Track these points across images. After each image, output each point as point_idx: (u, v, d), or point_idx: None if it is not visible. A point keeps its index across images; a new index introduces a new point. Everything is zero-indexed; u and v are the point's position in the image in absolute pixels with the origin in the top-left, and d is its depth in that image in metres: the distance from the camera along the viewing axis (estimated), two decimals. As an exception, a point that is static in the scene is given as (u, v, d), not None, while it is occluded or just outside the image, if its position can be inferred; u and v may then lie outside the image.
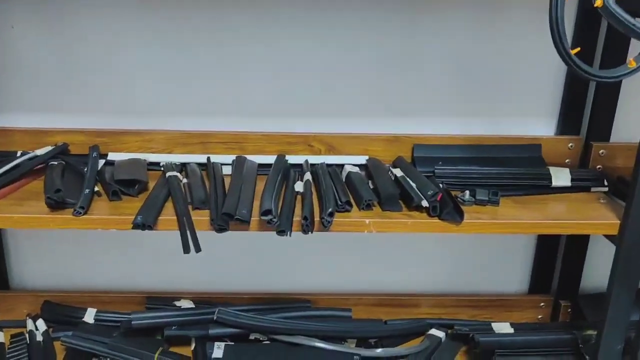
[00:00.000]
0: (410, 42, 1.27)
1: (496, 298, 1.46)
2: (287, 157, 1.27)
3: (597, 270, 1.44)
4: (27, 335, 1.32)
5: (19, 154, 1.23)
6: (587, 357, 1.23)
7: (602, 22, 1.20)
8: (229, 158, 1.27)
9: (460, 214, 1.06)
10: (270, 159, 1.25)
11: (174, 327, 1.28)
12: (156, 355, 1.23)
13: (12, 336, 1.32)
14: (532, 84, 1.31)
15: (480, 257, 1.47)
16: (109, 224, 1.05)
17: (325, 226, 1.02)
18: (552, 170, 1.22)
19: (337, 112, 1.31)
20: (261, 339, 1.29)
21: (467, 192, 1.15)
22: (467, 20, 1.26)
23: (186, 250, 1.01)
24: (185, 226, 1.03)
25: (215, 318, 1.26)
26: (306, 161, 1.26)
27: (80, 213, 1.03)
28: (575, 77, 1.25)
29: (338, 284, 1.47)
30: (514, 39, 1.27)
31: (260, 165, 1.25)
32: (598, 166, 1.29)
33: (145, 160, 1.25)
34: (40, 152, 1.22)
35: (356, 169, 1.24)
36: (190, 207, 1.08)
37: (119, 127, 1.28)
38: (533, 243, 1.46)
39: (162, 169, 1.23)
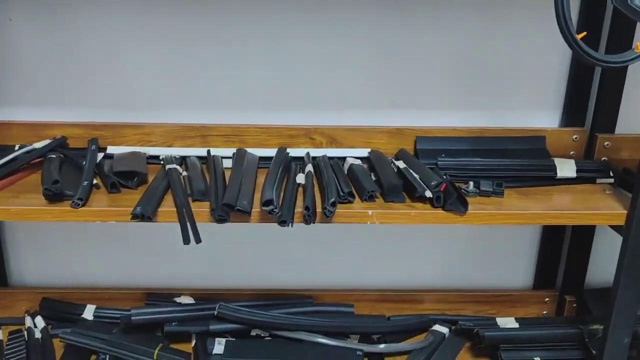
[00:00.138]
0: (412, 34, 1.25)
1: (500, 293, 1.44)
2: (289, 150, 1.26)
3: (603, 265, 1.42)
4: (25, 333, 1.30)
5: (17, 147, 1.21)
6: (593, 351, 1.21)
7: (607, 7, 1.19)
8: (230, 151, 1.25)
9: (465, 204, 1.04)
10: (271, 152, 1.24)
11: (174, 323, 1.27)
12: (156, 351, 1.21)
13: (10, 333, 1.31)
14: (535, 75, 1.29)
15: (484, 252, 1.45)
16: (108, 216, 1.03)
17: (327, 216, 1.01)
18: (557, 161, 1.21)
19: (338, 105, 1.29)
20: (262, 335, 1.27)
21: (471, 183, 1.13)
22: (470, 11, 1.24)
23: (186, 241, 0.99)
24: (185, 217, 1.01)
25: (216, 313, 1.24)
26: (307, 154, 1.25)
27: (79, 205, 1.01)
28: (580, 66, 1.26)
29: (340, 279, 1.45)
30: (517, 31, 1.26)
31: (261, 159, 1.24)
32: (603, 158, 1.28)
33: (144, 153, 1.23)
34: (38, 145, 1.21)
35: (358, 162, 1.23)
36: (190, 198, 1.06)
37: (118, 121, 1.27)
38: (537, 238, 1.44)
39: (161, 162, 1.22)
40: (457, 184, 1.11)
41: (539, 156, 1.26)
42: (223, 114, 1.28)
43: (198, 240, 1.00)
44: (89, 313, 1.34)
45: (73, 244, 1.41)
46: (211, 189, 1.08)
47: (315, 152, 1.26)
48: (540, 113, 1.32)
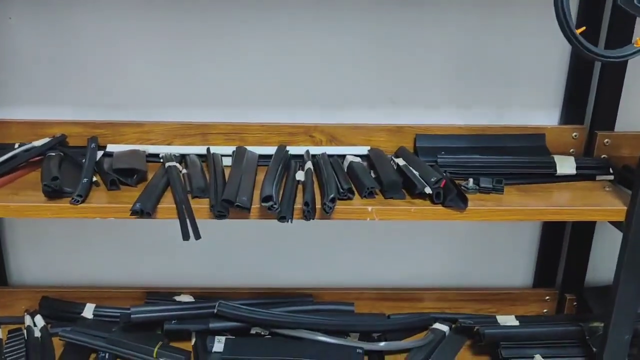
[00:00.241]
0: (412, 32, 1.26)
1: (500, 292, 1.44)
2: (288, 148, 1.26)
3: (603, 263, 1.42)
4: (24, 331, 1.30)
5: (16, 145, 1.21)
6: (594, 349, 1.20)
7: (606, 2, 1.19)
8: (229, 149, 1.25)
9: (464, 200, 1.04)
10: (271, 150, 1.24)
11: (173, 321, 1.26)
12: (156, 350, 1.21)
13: (10, 332, 1.30)
14: (535, 73, 1.29)
15: (484, 250, 1.45)
16: (107, 213, 1.03)
17: (327, 212, 1.01)
18: (557, 158, 1.21)
19: (338, 103, 1.29)
20: (262, 333, 1.27)
21: (471, 180, 1.13)
22: (470, 10, 1.24)
23: (185, 237, 0.99)
24: (185, 213, 1.01)
25: (215, 311, 1.24)
26: (307, 152, 1.25)
27: (78, 201, 1.01)
28: (580, 64, 1.26)
29: (340, 278, 1.45)
30: (517, 29, 1.26)
31: (261, 157, 1.24)
32: (603, 155, 1.28)
33: (144, 151, 1.23)
34: (37, 143, 1.21)
35: (358, 159, 1.23)
36: (189, 195, 1.06)
37: (117, 119, 1.27)
38: (537, 236, 1.44)
39: (161, 160, 1.22)
40: (457, 181, 1.11)
41: (538, 154, 1.26)
42: (223, 112, 1.28)
43: (197, 236, 0.99)
44: (88, 312, 1.34)
45: (73, 243, 1.41)
46: (211, 186, 1.08)
47: (315, 150, 1.26)
48: (539, 111, 1.32)
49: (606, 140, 1.28)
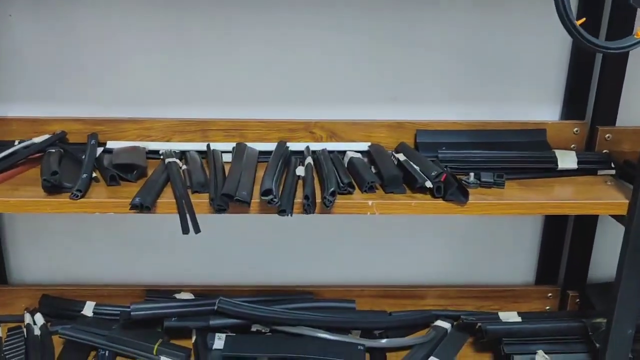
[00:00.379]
0: (413, 27, 1.26)
1: (502, 289, 1.43)
2: (288, 144, 1.25)
3: (605, 260, 1.41)
4: (24, 329, 1.29)
5: (16, 142, 1.21)
6: (597, 345, 1.19)
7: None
8: (229, 146, 1.25)
9: (465, 194, 1.04)
10: (271, 146, 1.23)
11: (173, 319, 1.26)
12: (156, 347, 1.20)
13: (9, 330, 1.30)
14: (536, 68, 1.29)
15: (486, 247, 1.44)
16: (107, 207, 1.02)
17: (327, 206, 1.00)
18: (558, 153, 1.20)
19: (338, 99, 1.29)
20: (263, 330, 1.26)
21: (472, 174, 1.13)
22: (470, 4, 1.24)
23: (185, 231, 0.99)
24: (184, 208, 1.00)
25: (216, 308, 1.23)
26: (307, 147, 1.24)
27: (78, 196, 1.01)
28: (580, 59, 1.26)
29: (341, 275, 1.45)
30: (517, 23, 1.26)
31: (261, 153, 1.24)
32: (604, 150, 1.27)
33: (144, 148, 1.23)
34: (37, 140, 1.21)
35: (358, 155, 1.22)
36: (189, 190, 1.06)
37: (117, 116, 1.27)
38: (539, 232, 1.43)
39: (161, 157, 1.22)
40: (458, 176, 1.10)
41: (539, 149, 1.25)
42: (223, 109, 1.28)
43: (197, 230, 0.99)
44: (88, 310, 1.33)
45: (73, 242, 1.40)
46: (211, 181, 1.08)
47: (315, 146, 1.25)
48: (540, 106, 1.32)
49: (607, 135, 1.27)
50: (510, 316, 1.33)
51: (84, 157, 1.15)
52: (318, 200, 1.03)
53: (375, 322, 1.32)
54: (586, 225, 1.37)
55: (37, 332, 1.28)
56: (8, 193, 1.04)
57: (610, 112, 1.28)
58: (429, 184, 1.05)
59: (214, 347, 1.21)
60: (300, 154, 1.24)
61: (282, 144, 1.24)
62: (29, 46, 1.24)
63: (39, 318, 1.32)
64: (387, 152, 1.22)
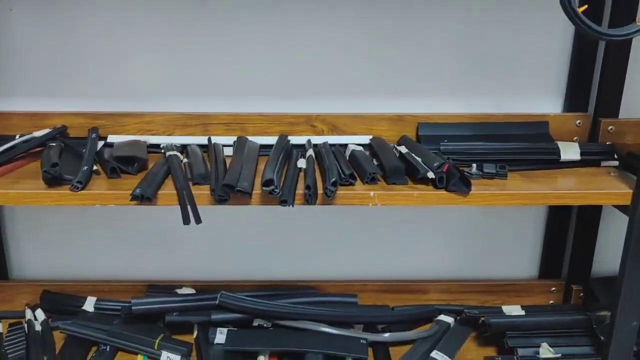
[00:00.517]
0: (414, 20, 1.25)
1: (506, 283, 1.42)
2: (290, 137, 1.25)
3: (609, 254, 1.40)
4: (25, 325, 1.29)
5: (17, 137, 1.21)
6: (602, 337, 1.18)
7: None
8: (230, 139, 1.24)
9: (467, 184, 1.03)
10: (272, 140, 1.23)
11: (175, 313, 1.25)
12: (157, 341, 1.20)
13: (10, 325, 1.29)
14: (537, 60, 1.29)
15: (489, 241, 1.43)
16: (108, 200, 1.02)
17: (328, 196, 0.99)
18: (561, 144, 1.20)
19: (340, 92, 1.29)
20: (265, 325, 1.25)
21: (474, 165, 1.12)
22: (471, -3, 1.24)
23: (186, 221, 0.98)
24: (185, 198, 1.00)
25: (218, 302, 1.22)
26: (309, 141, 1.24)
27: (78, 188, 1.00)
28: (582, 50, 1.25)
29: (343, 270, 1.44)
30: (519, 16, 1.25)
31: (262, 147, 1.23)
32: (607, 142, 1.26)
33: (145, 141, 1.23)
34: (37, 134, 1.21)
35: (360, 148, 1.22)
36: (190, 182, 1.05)
37: (118, 110, 1.26)
38: (542, 226, 1.43)
39: (162, 151, 1.21)
40: (460, 168, 1.10)
41: (542, 141, 1.25)
42: (224, 102, 1.28)
43: (198, 220, 0.98)
44: (89, 305, 1.33)
45: (73, 237, 1.40)
46: (211, 173, 1.07)
47: (317, 140, 1.25)
48: (542, 98, 1.31)
49: (610, 127, 1.27)
50: (513, 310, 1.32)
51: (84, 150, 1.14)
52: (320, 191, 1.02)
53: (378, 317, 1.31)
54: (590, 218, 1.37)
55: (38, 327, 1.28)
56: (8, 186, 1.03)
57: (613, 104, 1.27)
58: (431, 175, 1.05)
59: (216, 341, 1.20)
60: (301, 147, 1.23)
61: (283, 138, 1.23)
62: (29, 40, 1.24)
63: (40, 314, 1.31)
64: (388, 145, 1.22)
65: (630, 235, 1.05)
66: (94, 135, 1.20)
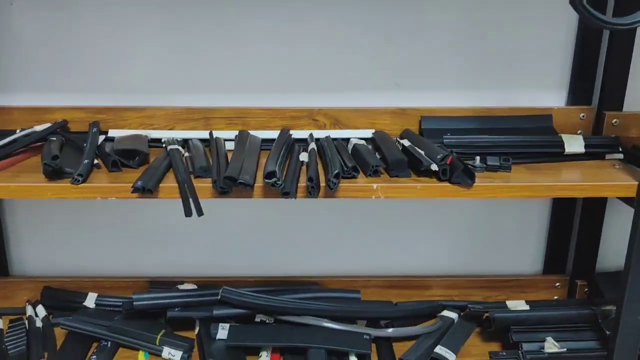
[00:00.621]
0: (416, 13, 1.24)
1: (510, 279, 1.41)
2: (291, 132, 1.24)
3: (614, 249, 1.39)
4: (26, 321, 1.28)
5: (18, 131, 1.20)
6: (607, 332, 1.17)
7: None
8: (232, 134, 1.24)
9: (471, 176, 1.02)
10: (274, 134, 1.22)
11: (176, 309, 1.24)
12: (159, 337, 1.19)
13: (11, 321, 1.28)
14: (541, 53, 1.28)
15: (493, 236, 1.42)
16: (109, 192, 1.01)
17: (331, 188, 0.99)
18: (565, 137, 1.19)
19: (342, 85, 1.28)
20: (267, 320, 1.24)
21: (478, 158, 1.11)
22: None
23: (188, 213, 0.97)
24: (187, 191, 0.99)
25: (220, 297, 1.21)
26: (311, 134, 1.23)
27: (79, 181, 1.00)
28: (586, 43, 1.24)
29: (346, 266, 1.43)
30: (522, 8, 1.25)
31: (264, 141, 1.22)
32: (612, 135, 1.25)
33: (146, 135, 1.22)
34: (38, 128, 1.20)
35: (362, 142, 1.21)
36: (191, 175, 1.05)
37: (119, 104, 1.26)
38: (546, 221, 1.41)
39: (163, 145, 1.21)
40: (463, 160, 1.09)
41: (546, 134, 1.24)
42: (225, 96, 1.27)
43: (200, 213, 0.98)
44: (90, 301, 1.32)
45: (74, 233, 1.39)
46: (213, 166, 1.06)
47: (319, 134, 1.24)
48: (546, 92, 1.30)
49: (614, 120, 1.26)
50: (518, 305, 1.31)
51: (85, 144, 1.13)
52: (322, 184, 1.01)
53: (381, 312, 1.31)
54: (594, 212, 1.35)
55: (39, 323, 1.27)
56: (9, 180, 1.03)
57: (617, 97, 1.26)
58: (434, 167, 1.04)
59: (218, 337, 1.20)
60: (303, 141, 1.22)
61: (285, 132, 1.22)
62: (30, 34, 1.23)
63: (41, 310, 1.30)
64: (391, 139, 1.21)
65: (636, 228, 1.04)
66: (94, 130, 1.19)
